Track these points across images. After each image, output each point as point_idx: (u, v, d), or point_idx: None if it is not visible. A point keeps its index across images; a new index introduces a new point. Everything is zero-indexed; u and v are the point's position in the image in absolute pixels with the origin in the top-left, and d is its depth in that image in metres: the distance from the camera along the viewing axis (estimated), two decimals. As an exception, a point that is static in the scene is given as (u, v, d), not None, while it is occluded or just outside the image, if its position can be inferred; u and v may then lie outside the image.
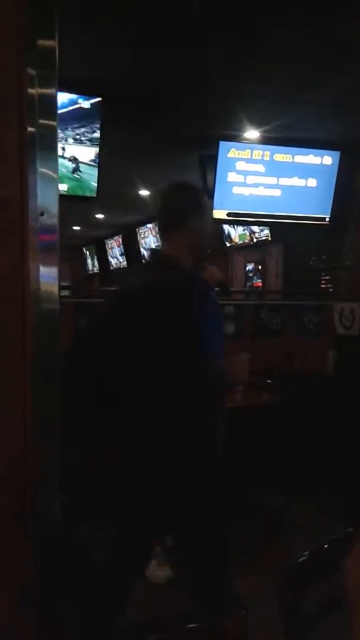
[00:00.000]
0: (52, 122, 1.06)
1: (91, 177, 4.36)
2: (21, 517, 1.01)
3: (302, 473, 3.73)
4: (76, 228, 11.11)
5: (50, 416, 1.06)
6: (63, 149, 4.17)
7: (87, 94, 4.07)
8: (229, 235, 7.96)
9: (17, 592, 1.02)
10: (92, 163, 4.31)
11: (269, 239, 7.26)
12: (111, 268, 12.12)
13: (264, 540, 3.23)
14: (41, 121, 1.02)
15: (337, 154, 5.08)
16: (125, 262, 11.31)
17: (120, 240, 11.23)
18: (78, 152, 4.27)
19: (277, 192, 5.06)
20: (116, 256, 11.68)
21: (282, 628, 1.10)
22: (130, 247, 10.73)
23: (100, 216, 9.69)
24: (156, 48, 3.40)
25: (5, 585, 1.02)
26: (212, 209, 2.49)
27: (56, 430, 1.07)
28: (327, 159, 5.08)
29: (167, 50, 3.44)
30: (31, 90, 1.00)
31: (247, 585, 2.33)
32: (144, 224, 9.68)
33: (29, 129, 1.00)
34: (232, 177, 4.89)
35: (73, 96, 4.04)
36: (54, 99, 1.06)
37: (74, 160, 4.27)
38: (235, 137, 4.86)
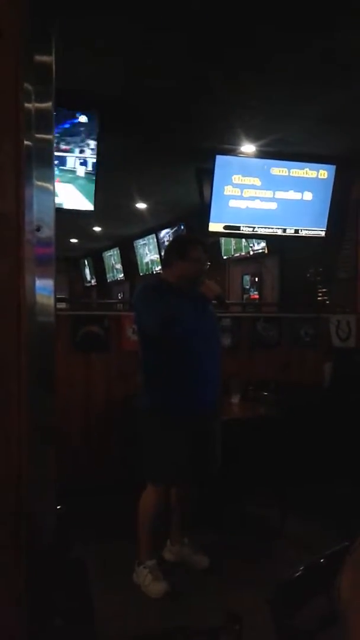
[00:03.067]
0: (48, 136, 1.07)
1: (89, 190, 4.38)
2: (15, 525, 1.01)
3: (299, 485, 3.71)
4: (74, 240, 11.14)
5: (45, 427, 1.06)
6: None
7: (84, 109, 4.09)
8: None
9: (11, 597, 1.01)
10: (89, 176, 4.33)
11: (266, 251, 7.28)
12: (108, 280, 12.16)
13: (259, 553, 3.21)
14: (38, 135, 1.04)
15: (332, 167, 5.11)
16: (122, 275, 11.33)
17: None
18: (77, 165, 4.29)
19: (273, 206, 5.09)
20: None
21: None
22: (127, 260, 10.76)
23: (97, 229, 9.71)
24: (154, 62, 3.43)
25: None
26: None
27: (51, 441, 1.07)
28: (323, 173, 5.12)
29: (165, 65, 3.48)
30: (28, 105, 1.01)
31: (243, 600, 2.31)
32: (141, 236, 9.70)
33: (26, 142, 1.01)
34: (228, 190, 4.92)
35: (70, 111, 4.07)
36: (50, 113, 1.07)
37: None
38: (231, 151, 4.89)
